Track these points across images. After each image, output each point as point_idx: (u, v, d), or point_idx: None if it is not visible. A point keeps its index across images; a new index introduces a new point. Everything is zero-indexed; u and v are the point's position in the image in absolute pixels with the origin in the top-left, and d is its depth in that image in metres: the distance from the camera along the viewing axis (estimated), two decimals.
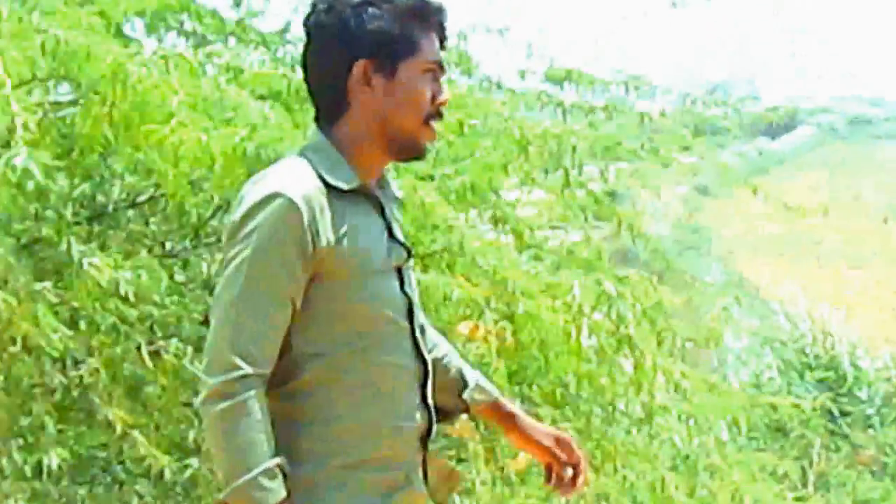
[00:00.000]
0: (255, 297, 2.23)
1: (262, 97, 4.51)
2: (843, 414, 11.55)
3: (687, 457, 5.50)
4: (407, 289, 2.48)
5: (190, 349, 4.61)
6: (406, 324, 2.44)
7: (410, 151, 2.49)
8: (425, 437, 2.48)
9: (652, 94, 6.62)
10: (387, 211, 2.48)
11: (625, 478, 5.36)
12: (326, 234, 2.27)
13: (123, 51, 4.41)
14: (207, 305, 4.54)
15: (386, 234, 2.44)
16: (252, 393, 2.17)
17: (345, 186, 2.33)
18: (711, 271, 24.47)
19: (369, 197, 2.43)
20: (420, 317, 2.55)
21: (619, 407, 5.42)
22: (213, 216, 4.85)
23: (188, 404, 4.78)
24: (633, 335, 4.85)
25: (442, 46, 2.49)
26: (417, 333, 2.48)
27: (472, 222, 5.37)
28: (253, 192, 2.31)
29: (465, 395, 2.64)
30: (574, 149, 5.61)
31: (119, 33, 5.14)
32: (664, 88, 6.53)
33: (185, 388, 4.77)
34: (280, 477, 2.16)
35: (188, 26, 5.69)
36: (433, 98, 2.42)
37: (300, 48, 4.90)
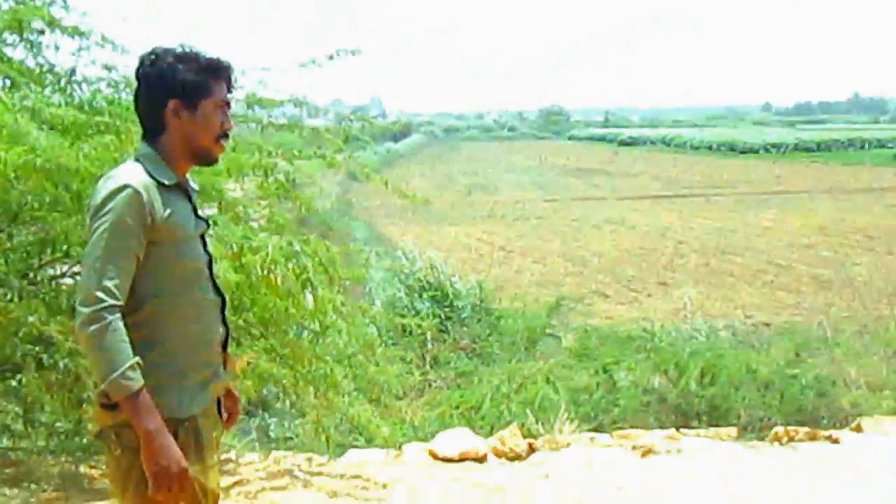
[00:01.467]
0: (113, 254, 2.41)
1: (53, 127, 4.38)
2: (448, 317, 11.88)
3: (350, 355, 5.64)
4: (208, 248, 2.77)
5: None
6: (208, 272, 2.72)
7: (206, 160, 2.74)
8: (224, 344, 2.80)
9: (320, 114, 6.86)
10: (193, 198, 2.73)
11: (310, 370, 5.45)
12: (159, 213, 2.49)
13: None
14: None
15: (193, 214, 2.69)
16: (115, 317, 2.38)
17: (167, 182, 2.57)
18: (360, 231, 24.88)
19: (182, 189, 2.67)
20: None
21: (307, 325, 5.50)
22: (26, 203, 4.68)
23: None
24: (312, 278, 4.95)
25: (230, 90, 2.72)
26: (215, 278, 2.76)
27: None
28: (107, 185, 2.48)
29: None
30: (270, 153, 5.79)
31: None
32: (325, 109, 6.70)
33: None
34: (139, 371, 2.39)
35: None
36: (222, 125, 2.66)
37: (83, 88, 4.79)
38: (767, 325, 13.85)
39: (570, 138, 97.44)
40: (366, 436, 6.11)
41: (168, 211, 2.53)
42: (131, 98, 2.98)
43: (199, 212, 2.75)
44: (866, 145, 66.58)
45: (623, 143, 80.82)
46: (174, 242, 2.57)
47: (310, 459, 5.42)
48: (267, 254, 4.61)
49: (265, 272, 4.71)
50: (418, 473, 5.12)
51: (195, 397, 2.63)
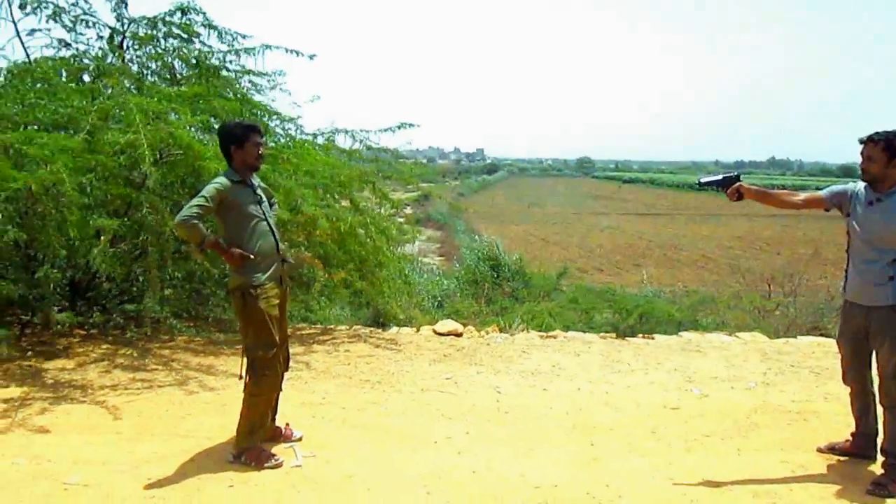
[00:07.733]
0: (202, 201, 2.80)
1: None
2: (499, 276, 11.23)
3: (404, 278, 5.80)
4: (265, 208, 3.01)
5: None
6: (266, 220, 2.98)
7: (254, 170, 3.00)
8: (278, 252, 3.01)
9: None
10: (256, 189, 3.02)
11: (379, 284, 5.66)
12: (233, 194, 2.87)
13: None
14: None
15: (253, 194, 2.97)
16: (197, 222, 2.78)
17: (237, 179, 2.93)
18: (460, 226, 24.78)
19: (247, 184, 2.98)
20: (272, 220, 3.04)
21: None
22: None
23: None
24: (373, 236, 5.25)
25: (261, 135, 2.99)
26: (272, 225, 3.01)
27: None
28: (213, 183, 2.87)
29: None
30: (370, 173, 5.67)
31: None
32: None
33: None
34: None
35: None
36: (258, 152, 2.96)
37: None
38: (696, 291, 13.45)
39: (593, 177, 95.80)
40: (406, 321, 6.18)
41: (239, 193, 2.90)
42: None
43: (258, 193, 3.00)
44: (775, 188, 62.74)
45: (625, 181, 78.42)
46: (242, 206, 2.91)
47: (371, 330, 5.75)
48: (348, 221, 5.00)
49: (350, 230, 5.08)
50: (424, 339, 5.45)
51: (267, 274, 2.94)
